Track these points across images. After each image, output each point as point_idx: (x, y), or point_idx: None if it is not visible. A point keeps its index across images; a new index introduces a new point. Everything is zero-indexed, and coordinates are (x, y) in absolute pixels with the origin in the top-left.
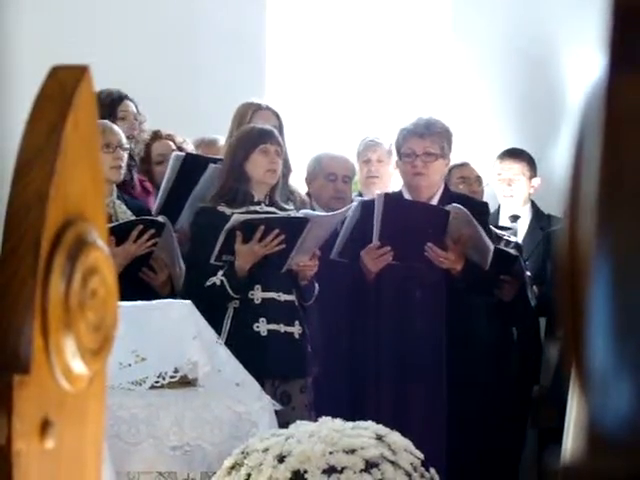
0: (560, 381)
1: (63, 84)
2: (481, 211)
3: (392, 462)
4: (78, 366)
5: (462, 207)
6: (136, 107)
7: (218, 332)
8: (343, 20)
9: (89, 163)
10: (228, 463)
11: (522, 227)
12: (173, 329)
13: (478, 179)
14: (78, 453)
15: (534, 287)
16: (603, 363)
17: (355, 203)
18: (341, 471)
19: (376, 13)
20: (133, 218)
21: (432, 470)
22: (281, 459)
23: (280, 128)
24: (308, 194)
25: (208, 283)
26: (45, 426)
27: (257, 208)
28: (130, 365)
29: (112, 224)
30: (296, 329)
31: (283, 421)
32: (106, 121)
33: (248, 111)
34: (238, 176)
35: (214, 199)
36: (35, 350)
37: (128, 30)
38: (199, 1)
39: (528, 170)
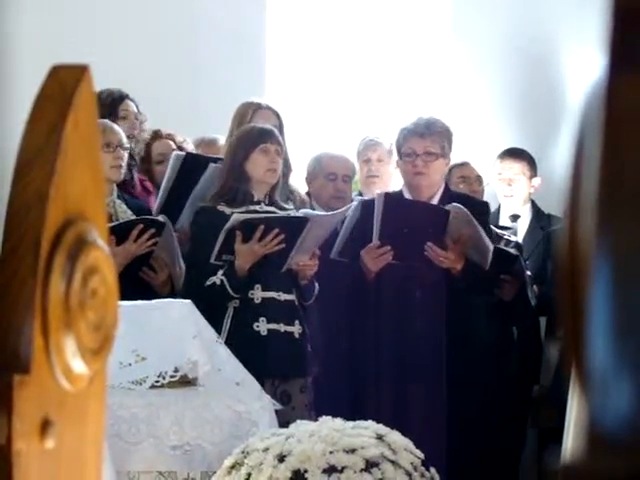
0: (560, 381)
1: (63, 84)
2: (481, 211)
3: (392, 462)
4: (78, 366)
5: (462, 207)
6: (137, 107)
7: (218, 331)
8: (343, 20)
9: (89, 163)
10: (228, 463)
11: (522, 227)
12: (173, 328)
13: (478, 179)
14: (78, 453)
15: (534, 287)
16: (603, 363)
17: (355, 203)
18: (341, 471)
19: (376, 13)
20: (133, 217)
21: (432, 470)
22: (281, 459)
23: (280, 128)
24: (308, 194)
25: (208, 283)
26: (45, 426)
27: (257, 208)
28: (130, 365)
29: (112, 223)
30: (296, 329)
31: (283, 421)
32: (106, 120)
33: (248, 110)
34: (238, 176)
35: (214, 198)
36: (35, 350)
37: (128, 30)
38: (199, 1)
39: (528, 170)
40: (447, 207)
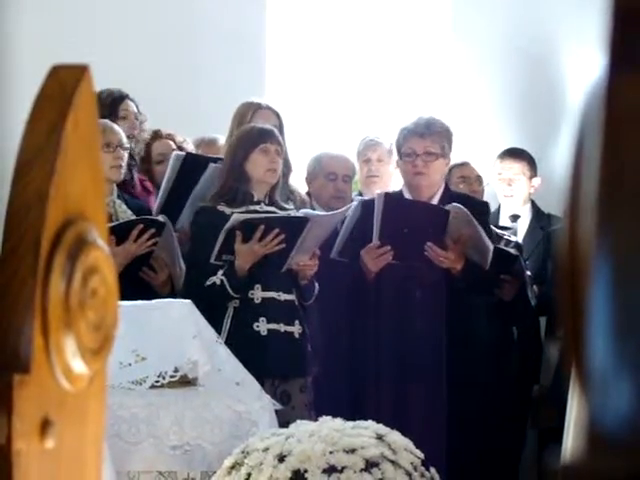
0: (560, 381)
1: (63, 84)
2: (482, 211)
3: (392, 462)
4: (78, 366)
5: (462, 207)
6: (137, 107)
7: (218, 331)
8: (343, 20)
9: (89, 163)
10: (228, 462)
11: (522, 227)
12: (173, 328)
13: (478, 179)
14: (78, 453)
15: (534, 286)
16: (603, 363)
17: (355, 202)
18: (341, 471)
19: (376, 13)
20: (133, 218)
21: (432, 470)
22: (281, 458)
23: (280, 127)
24: (308, 193)
25: (208, 283)
26: (45, 426)
27: (257, 208)
28: (130, 364)
29: (112, 223)
30: (296, 328)
31: (283, 420)
32: (106, 120)
33: (248, 110)
34: (238, 176)
35: (214, 198)
36: (35, 350)
37: (128, 30)
38: (199, 1)
39: (528, 170)
40: (447, 207)
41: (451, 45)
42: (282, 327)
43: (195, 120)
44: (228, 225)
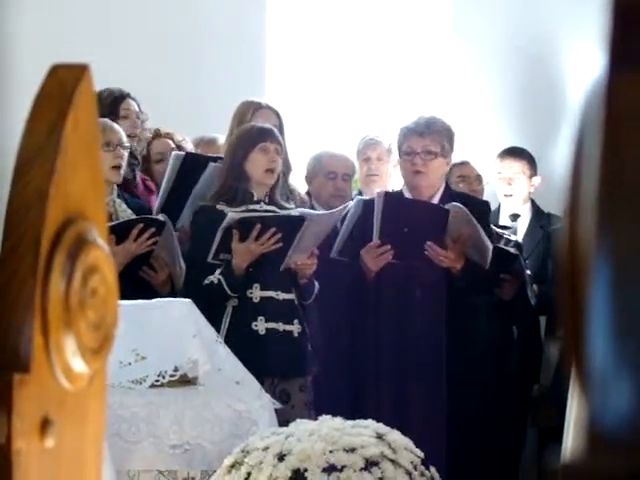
0: (560, 380)
1: (63, 83)
2: (482, 210)
3: (392, 461)
4: (78, 365)
5: (461, 206)
6: (138, 106)
7: (217, 330)
8: (343, 20)
9: (89, 162)
10: (228, 462)
11: (522, 226)
12: (173, 328)
13: (478, 178)
14: (78, 452)
15: (534, 286)
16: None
17: (352, 201)
18: (341, 470)
19: (376, 12)
20: (133, 217)
21: (432, 469)
22: (281, 458)
23: (280, 127)
24: (308, 193)
25: (206, 282)
26: (45, 425)
27: (257, 207)
28: (130, 364)
29: (112, 223)
30: (295, 328)
31: (282, 420)
32: (106, 119)
33: (248, 110)
34: (238, 175)
35: (214, 198)
36: (35, 349)
37: (128, 30)
38: (199, 1)
39: (528, 169)
40: (447, 206)
41: (451, 45)
42: (281, 326)
43: (195, 119)
44: (224, 224)
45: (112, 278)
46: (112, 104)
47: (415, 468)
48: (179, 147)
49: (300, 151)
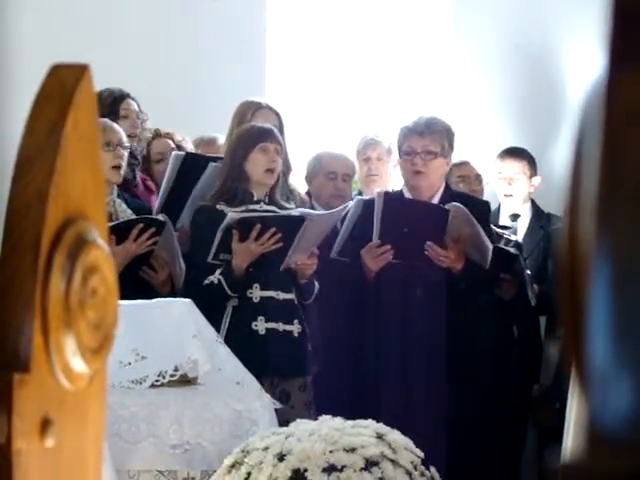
0: (561, 380)
1: (63, 83)
2: (482, 210)
3: (392, 461)
4: (78, 365)
5: (461, 206)
6: (138, 105)
7: (217, 330)
8: (343, 19)
9: (89, 162)
10: (228, 462)
11: (522, 226)
12: (173, 327)
13: (478, 178)
14: (78, 452)
15: (534, 286)
16: (603, 362)
17: (352, 201)
18: (341, 470)
19: (376, 13)
20: (133, 217)
21: (432, 469)
22: (281, 458)
23: (280, 127)
24: (308, 193)
25: (206, 282)
26: (45, 425)
27: (257, 207)
28: (130, 364)
29: (112, 223)
30: (295, 328)
31: (282, 420)
32: (106, 119)
33: (248, 110)
34: (238, 175)
35: (214, 198)
36: (35, 349)
37: (128, 30)
38: (200, 1)
39: (528, 169)
40: (447, 206)
41: (451, 45)
42: (281, 326)
43: (195, 119)
44: (224, 224)
45: (112, 278)
46: (112, 104)
47: (415, 468)
48: (179, 147)
49: (300, 151)
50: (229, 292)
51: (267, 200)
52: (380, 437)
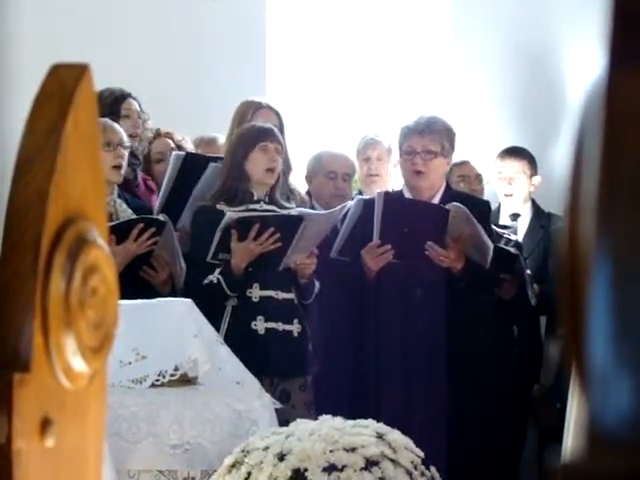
0: (561, 380)
1: (63, 82)
2: (482, 210)
3: (392, 460)
4: (78, 364)
5: (462, 206)
6: (139, 105)
7: (216, 330)
8: (343, 19)
9: (90, 162)
10: (228, 461)
11: (522, 225)
12: (173, 327)
13: (478, 177)
14: (78, 451)
15: (535, 285)
16: (603, 362)
17: (352, 201)
18: (341, 469)
19: (376, 13)
20: (134, 217)
21: (432, 469)
22: (281, 457)
23: (280, 127)
24: (308, 192)
25: (205, 281)
26: (45, 424)
27: (257, 207)
28: (130, 363)
29: (112, 223)
30: (295, 327)
31: (283, 419)
32: (107, 119)
33: (249, 110)
34: (238, 175)
35: (214, 197)
36: (35, 348)
37: (129, 30)
38: (200, 1)
39: (529, 168)
40: (447, 206)
41: (451, 45)
42: (280, 326)
43: (196, 119)
44: (223, 224)
45: (112, 278)
46: (113, 104)
47: (415, 468)
48: (179, 147)
49: (300, 151)
50: (228, 292)
51: (267, 200)
52: (380, 437)
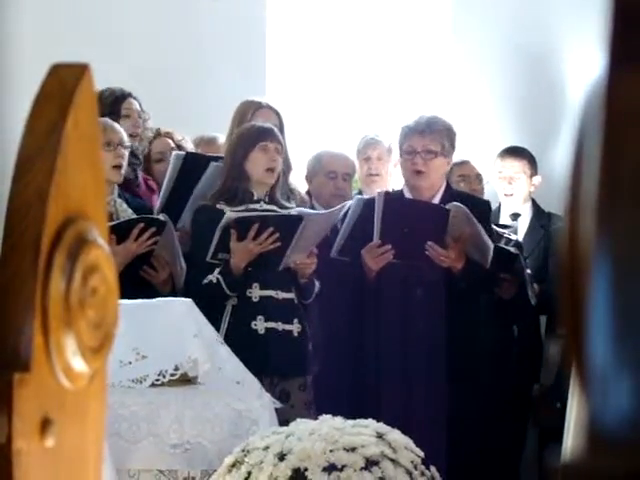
0: (561, 379)
1: (63, 82)
2: (483, 209)
3: (392, 460)
4: (78, 364)
5: (462, 206)
6: (140, 105)
7: (216, 330)
8: (343, 19)
9: (90, 161)
10: (228, 461)
11: (522, 225)
12: (174, 327)
13: (478, 177)
14: (79, 451)
15: (535, 285)
16: (603, 361)
17: (351, 201)
18: (341, 469)
19: (376, 13)
20: (134, 217)
21: (432, 468)
22: (281, 457)
23: (281, 126)
24: (308, 192)
25: (205, 281)
26: (45, 424)
27: (257, 206)
28: (130, 363)
29: (113, 222)
30: (295, 327)
31: (282, 419)
32: (107, 119)
33: (249, 109)
34: (238, 174)
35: (214, 197)
36: (35, 348)
37: (129, 30)
38: (200, 1)
39: (529, 168)
40: (447, 206)
41: (451, 45)
42: (280, 326)
43: (196, 119)
44: (222, 223)
45: (112, 277)
46: (113, 103)
47: (415, 467)
48: (179, 146)
49: (300, 151)
50: (227, 291)
51: (267, 199)
52: (380, 437)
